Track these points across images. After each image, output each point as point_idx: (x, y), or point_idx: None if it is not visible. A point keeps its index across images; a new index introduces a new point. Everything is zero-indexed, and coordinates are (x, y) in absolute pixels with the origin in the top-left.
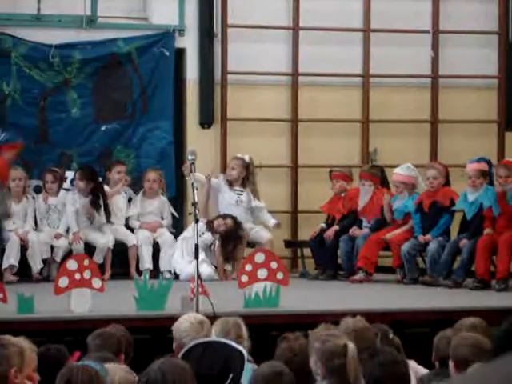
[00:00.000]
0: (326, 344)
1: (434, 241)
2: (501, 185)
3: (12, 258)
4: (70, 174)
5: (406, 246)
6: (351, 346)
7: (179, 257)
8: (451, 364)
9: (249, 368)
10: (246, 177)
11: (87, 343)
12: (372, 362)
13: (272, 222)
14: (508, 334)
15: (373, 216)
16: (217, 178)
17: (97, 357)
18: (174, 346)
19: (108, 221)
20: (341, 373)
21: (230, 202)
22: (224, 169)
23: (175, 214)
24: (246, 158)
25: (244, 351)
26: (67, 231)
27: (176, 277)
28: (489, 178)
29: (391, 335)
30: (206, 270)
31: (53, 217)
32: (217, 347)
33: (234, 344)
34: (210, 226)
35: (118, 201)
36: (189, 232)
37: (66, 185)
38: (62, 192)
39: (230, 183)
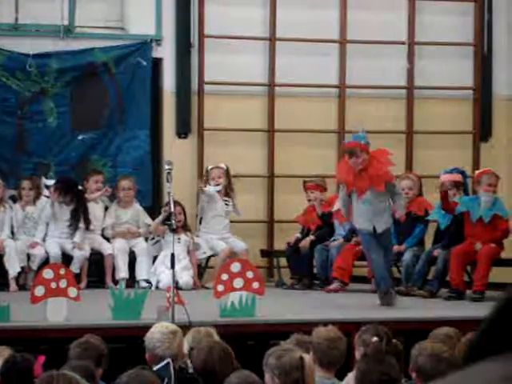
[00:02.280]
0: (281, 359)
1: (409, 251)
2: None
3: None
4: (51, 182)
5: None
6: (307, 357)
7: (160, 264)
8: (413, 375)
9: None
10: (229, 185)
11: (68, 351)
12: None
13: None
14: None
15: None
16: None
17: (76, 365)
18: (146, 356)
19: (87, 228)
20: None
21: (221, 212)
22: (200, 178)
23: (151, 223)
24: (224, 166)
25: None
26: (44, 239)
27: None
28: (463, 189)
29: (394, 340)
30: (185, 277)
31: (28, 225)
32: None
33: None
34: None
35: (96, 209)
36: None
37: (47, 193)
38: (42, 199)
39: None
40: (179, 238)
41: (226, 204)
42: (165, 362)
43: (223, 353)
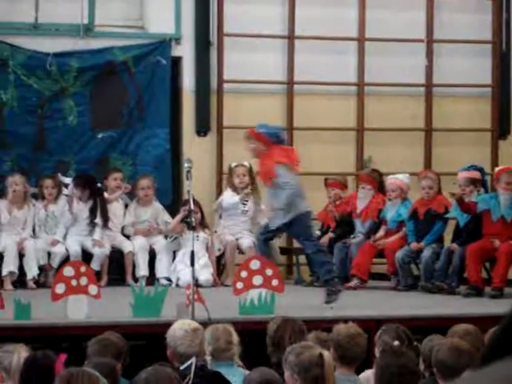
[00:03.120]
0: (301, 356)
1: (428, 248)
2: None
3: (11, 264)
4: (68, 181)
5: (400, 253)
6: (326, 354)
7: (179, 262)
8: (435, 371)
9: (239, 373)
10: (252, 184)
11: (86, 349)
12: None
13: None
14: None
15: (370, 218)
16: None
17: (98, 362)
18: (168, 353)
19: (105, 226)
20: (319, 383)
21: (236, 211)
22: (220, 176)
23: (171, 221)
24: (247, 164)
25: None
26: (64, 237)
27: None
28: (482, 186)
29: (415, 343)
30: (205, 275)
31: (50, 224)
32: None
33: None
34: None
35: (116, 208)
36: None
37: (67, 191)
38: (62, 198)
39: (235, 190)
40: (197, 236)
41: (244, 204)
42: (189, 361)
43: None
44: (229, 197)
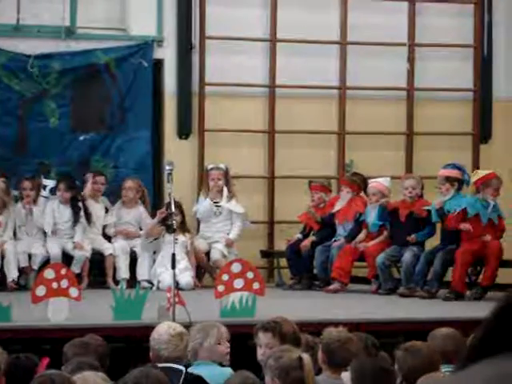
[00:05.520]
0: (280, 360)
1: (409, 251)
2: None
3: None
4: (49, 183)
5: (381, 257)
6: (306, 357)
7: (159, 265)
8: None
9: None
10: (228, 186)
11: (64, 352)
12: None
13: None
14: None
15: (346, 220)
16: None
17: (80, 362)
18: (150, 355)
19: (89, 224)
20: None
21: (209, 213)
22: (201, 179)
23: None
24: (223, 166)
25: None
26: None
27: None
28: (458, 185)
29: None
30: (185, 278)
31: (30, 224)
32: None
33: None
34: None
35: (96, 210)
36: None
37: (45, 193)
38: (41, 200)
39: (207, 193)
40: (176, 239)
41: (217, 205)
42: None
43: None
44: (202, 203)
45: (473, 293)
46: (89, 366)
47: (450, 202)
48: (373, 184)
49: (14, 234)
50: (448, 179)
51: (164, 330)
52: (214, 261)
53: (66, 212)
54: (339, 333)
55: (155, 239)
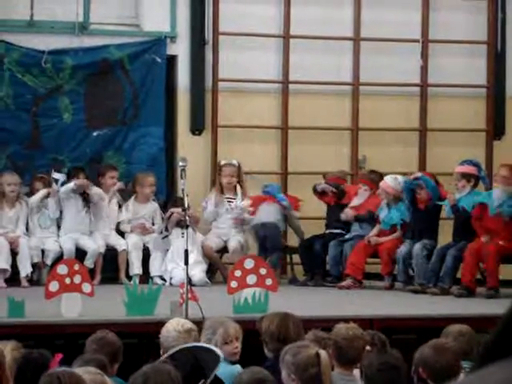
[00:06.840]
0: (297, 356)
1: (419, 244)
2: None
3: (3, 262)
4: (59, 176)
5: (402, 249)
6: (323, 353)
7: (170, 260)
8: (421, 371)
9: (233, 370)
10: (240, 183)
11: (84, 346)
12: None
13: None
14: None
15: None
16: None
17: (90, 359)
18: (161, 352)
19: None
20: (316, 382)
21: (213, 215)
22: (214, 175)
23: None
24: (235, 162)
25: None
26: (58, 235)
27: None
28: (474, 182)
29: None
30: (198, 274)
31: (43, 217)
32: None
33: (205, 345)
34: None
35: (111, 205)
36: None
37: (57, 187)
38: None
39: (222, 190)
40: (183, 233)
41: (229, 202)
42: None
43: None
44: (212, 201)
45: (487, 292)
46: (97, 362)
47: (465, 198)
48: (380, 183)
49: (27, 228)
50: (464, 176)
51: (172, 327)
52: (232, 250)
53: (77, 204)
54: (348, 330)
55: (166, 236)
